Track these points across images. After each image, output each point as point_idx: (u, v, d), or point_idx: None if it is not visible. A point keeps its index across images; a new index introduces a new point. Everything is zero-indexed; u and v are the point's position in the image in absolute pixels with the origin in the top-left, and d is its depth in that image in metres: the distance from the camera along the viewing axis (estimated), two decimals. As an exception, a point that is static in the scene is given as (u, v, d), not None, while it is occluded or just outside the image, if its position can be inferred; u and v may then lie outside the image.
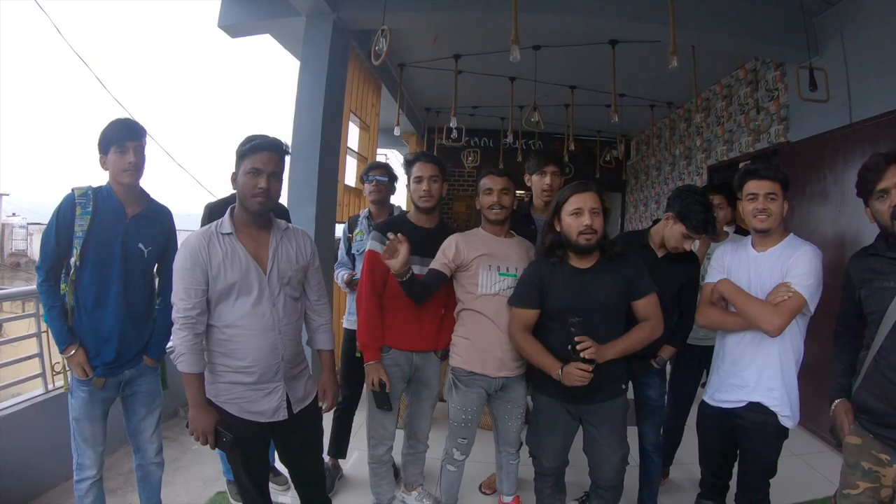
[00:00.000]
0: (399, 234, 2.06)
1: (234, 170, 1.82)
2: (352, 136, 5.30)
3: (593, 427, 2.12)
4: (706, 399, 2.18)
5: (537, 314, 2.10)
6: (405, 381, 2.43)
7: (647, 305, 2.06)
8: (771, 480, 2.09)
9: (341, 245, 3.06)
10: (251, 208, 1.81)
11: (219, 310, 1.80)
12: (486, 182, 2.29)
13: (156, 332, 2.15)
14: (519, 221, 2.61)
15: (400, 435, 2.59)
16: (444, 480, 2.43)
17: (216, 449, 1.85)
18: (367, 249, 2.38)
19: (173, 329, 1.78)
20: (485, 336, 2.22)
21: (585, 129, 7.94)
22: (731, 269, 2.11)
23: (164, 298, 2.15)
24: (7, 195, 22.18)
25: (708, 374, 2.32)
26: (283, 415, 1.89)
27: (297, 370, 1.95)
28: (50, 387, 2.79)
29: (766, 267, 2.00)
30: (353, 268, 2.95)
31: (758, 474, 2.06)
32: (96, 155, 2.04)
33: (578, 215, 2.01)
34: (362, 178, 3.01)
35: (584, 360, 1.89)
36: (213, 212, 2.38)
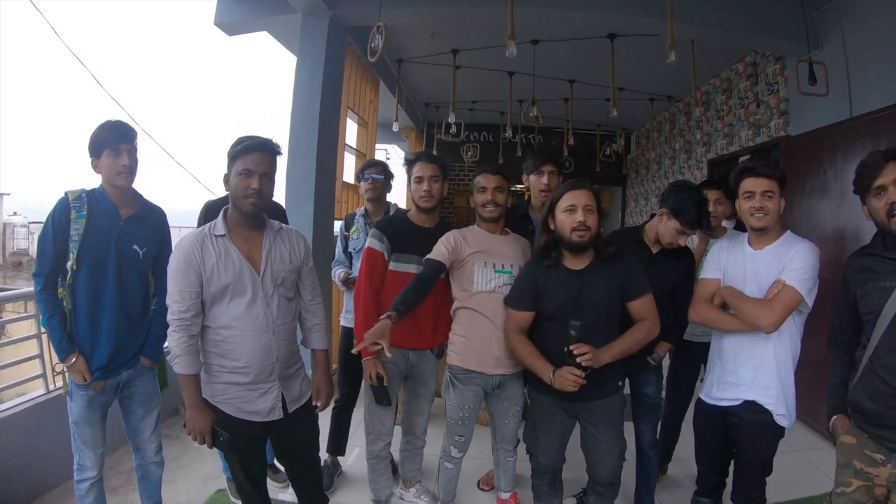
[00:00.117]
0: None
1: (225, 171, 1.82)
2: (350, 132, 5.29)
3: (590, 425, 2.13)
4: (702, 396, 2.18)
5: (532, 316, 2.10)
6: (401, 377, 2.44)
7: (642, 306, 2.06)
8: (769, 476, 2.09)
9: (338, 243, 3.06)
10: (244, 209, 1.80)
11: (213, 311, 1.81)
12: (479, 180, 2.30)
13: (152, 333, 2.16)
14: (517, 221, 2.60)
15: (398, 432, 2.60)
16: (442, 477, 2.44)
17: (213, 448, 1.87)
18: (365, 247, 2.38)
19: (169, 331, 1.78)
20: (481, 334, 2.22)
21: (585, 123, 7.92)
22: (727, 267, 2.11)
23: (159, 299, 2.15)
24: (8, 194, 22.22)
25: (706, 370, 2.32)
26: (278, 414, 1.90)
27: (291, 370, 1.96)
28: (51, 387, 2.80)
29: (763, 265, 1.99)
30: (350, 266, 2.95)
31: (754, 472, 2.06)
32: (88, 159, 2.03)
33: (572, 212, 2.01)
34: (358, 176, 3.01)
35: (579, 366, 1.90)
36: (210, 210, 2.38)
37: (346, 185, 4.92)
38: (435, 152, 7.94)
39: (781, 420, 1.98)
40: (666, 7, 3.15)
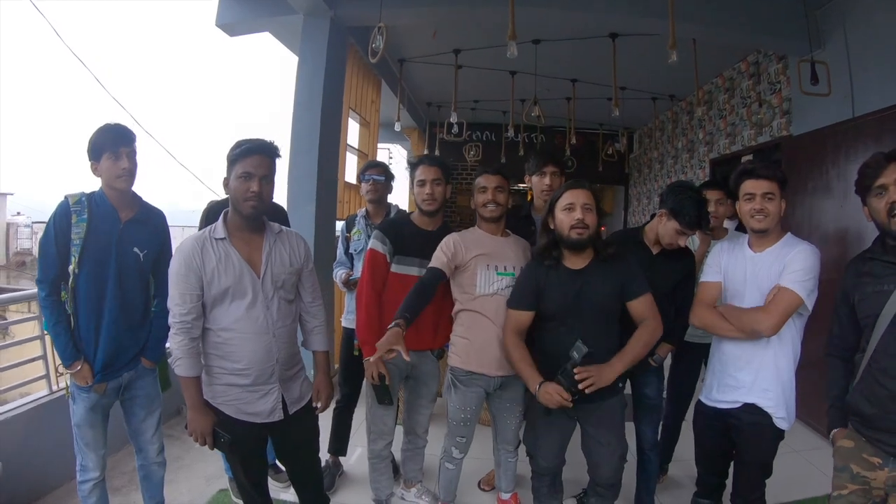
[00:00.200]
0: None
1: (225, 175, 1.83)
2: (352, 132, 5.30)
3: (590, 427, 2.13)
4: (702, 398, 2.18)
5: (532, 316, 2.10)
6: (402, 377, 2.45)
7: (641, 306, 2.05)
8: (770, 477, 2.09)
9: (339, 244, 3.07)
10: (244, 212, 1.81)
11: (214, 313, 1.82)
12: (480, 181, 2.30)
13: (152, 335, 2.18)
14: (519, 222, 2.61)
15: (399, 432, 2.61)
16: (443, 478, 2.45)
17: (214, 449, 1.88)
18: (368, 249, 2.39)
19: (170, 334, 1.80)
20: (483, 335, 2.23)
21: (588, 123, 7.91)
22: (727, 270, 2.10)
23: (159, 300, 2.16)
24: (11, 194, 22.29)
25: (706, 371, 2.32)
26: (278, 416, 1.91)
27: (291, 372, 1.97)
28: (54, 388, 2.82)
29: (763, 267, 1.98)
30: (352, 267, 2.96)
31: (753, 475, 2.06)
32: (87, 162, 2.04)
33: (570, 210, 2.02)
34: (359, 177, 3.01)
35: (569, 389, 1.91)
36: (211, 213, 2.39)
37: (348, 185, 4.93)
38: (437, 152, 7.96)
39: (781, 423, 1.97)
40: (666, 6, 3.15)
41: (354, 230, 2.96)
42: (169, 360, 1.82)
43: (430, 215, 2.40)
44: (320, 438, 2.16)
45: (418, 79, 6.57)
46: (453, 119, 5.59)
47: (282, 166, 1.91)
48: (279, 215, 2.60)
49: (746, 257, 2.05)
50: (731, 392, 2.05)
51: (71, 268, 1.98)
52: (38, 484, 2.61)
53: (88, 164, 2.04)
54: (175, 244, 1.95)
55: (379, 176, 2.91)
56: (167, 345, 1.91)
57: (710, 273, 2.15)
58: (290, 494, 2.70)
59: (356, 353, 2.72)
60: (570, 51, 5.12)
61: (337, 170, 4.44)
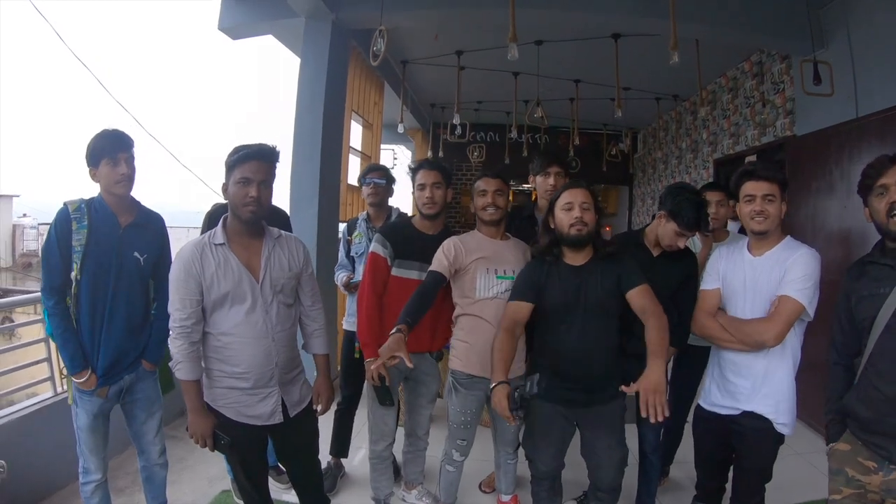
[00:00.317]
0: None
1: (224, 180, 1.84)
2: (354, 134, 5.31)
3: (589, 431, 2.14)
4: (701, 403, 2.17)
5: (530, 309, 2.09)
6: (401, 378, 2.47)
7: (639, 295, 2.03)
8: (773, 480, 2.08)
9: (341, 247, 3.08)
10: (243, 217, 1.83)
11: (214, 318, 1.84)
12: (479, 184, 2.31)
13: (153, 337, 2.19)
14: (523, 222, 2.61)
15: (401, 434, 2.62)
16: (443, 480, 2.46)
17: (215, 451, 1.90)
18: (369, 252, 2.40)
19: (170, 338, 1.82)
20: (484, 339, 2.22)
21: (591, 123, 7.89)
22: (725, 275, 2.09)
23: (159, 303, 2.18)
24: (17, 196, 22.46)
25: (706, 374, 2.31)
26: (278, 418, 1.93)
27: (291, 375, 1.98)
28: (59, 390, 2.84)
29: (763, 272, 1.97)
30: (353, 270, 2.97)
31: (753, 479, 2.05)
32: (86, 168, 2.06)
33: (569, 209, 2.05)
34: (360, 180, 3.02)
35: (514, 410, 1.87)
36: (213, 217, 2.40)
37: (351, 187, 4.95)
38: (441, 153, 7.96)
39: (782, 429, 1.97)
40: (668, 7, 3.14)
41: (356, 233, 2.97)
42: (170, 364, 1.84)
43: (430, 219, 2.42)
44: (322, 440, 2.18)
45: (421, 80, 6.59)
46: (456, 120, 5.60)
47: (284, 169, 1.92)
48: (280, 219, 2.61)
49: (745, 261, 2.04)
50: (730, 398, 2.04)
51: (73, 274, 2.00)
52: (42, 484, 2.64)
53: (87, 170, 2.06)
54: (181, 245, 1.95)
55: (380, 179, 2.91)
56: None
57: (709, 280, 2.15)
58: (292, 496, 2.70)
59: (357, 355, 2.74)
60: (573, 51, 5.12)
61: (339, 172, 4.46)
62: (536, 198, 2.76)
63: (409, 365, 1.87)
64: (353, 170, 5.18)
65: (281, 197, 3.94)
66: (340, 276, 2.98)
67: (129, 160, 2.07)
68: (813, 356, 2.06)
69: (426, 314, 2.23)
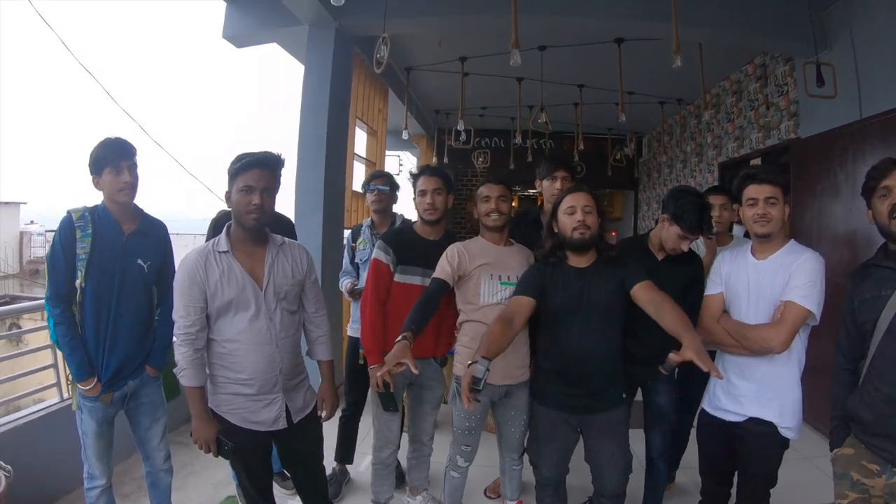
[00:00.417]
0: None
1: (227, 189, 1.86)
2: (359, 141, 5.34)
3: (592, 438, 2.13)
4: (705, 406, 2.16)
5: (531, 305, 2.06)
6: (405, 384, 2.47)
7: (645, 289, 2.01)
8: (780, 484, 2.06)
9: (345, 254, 3.09)
10: (247, 224, 1.84)
11: (218, 325, 1.85)
12: (483, 190, 2.32)
13: (156, 343, 2.21)
14: (528, 227, 2.62)
15: (405, 439, 2.62)
16: (448, 486, 2.45)
17: (219, 456, 1.91)
18: (372, 259, 2.41)
19: (175, 345, 1.83)
20: None
21: (596, 128, 7.89)
22: (729, 279, 2.09)
23: (163, 309, 2.20)
24: (24, 203, 22.63)
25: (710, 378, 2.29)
26: (282, 424, 1.93)
27: (295, 381, 1.99)
28: (65, 395, 2.86)
29: (767, 275, 1.96)
30: (357, 276, 2.98)
31: (757, 485, 2.03)
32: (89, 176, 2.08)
33: (572, 213, 2.06)
34: (364, 187, 3.03)
35: (475, 391, 1.78)
36: (217, 224, 2.41)
37: (356, 194, 4.96)
38: (446, 159, 7.97)
39: (786, 433, 1.95)
40: (671, 10, 3.15)
41: (360, 240, 2.98)
42: (174, 371, 1.85)
43: (432, 225, 2.42)
44: (327, 447, 2.18)
45: (426, 87, 6.61)
46: (460, 126, 5.63)
47: (289, 176, 1.93)
48: (284, 226, 2.63)
49: (749, 265, 2.04)
50: (734, 402, 2.02)
51: (78, 282, 2.02)
52: (48, 489, 2.65)
53: (90, 178, 2.08)
54: (187, 252, 1.96)
55: (384, 186, 2.93)
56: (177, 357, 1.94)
57: (713, 285, 2.14)
58: (297, 502, 2.70)
59: (361, 361, 2.74)
60: (577, 57, 5.13)
61: (344, 179, 4.48)
62: (542, 202, 2.76)
63: (415, 372, 1.86)
64: (358, 176, 5.20)
65: (286, 204, 3.96)
66: (345, 283, 2.99)
67: (132, 168, 2.09)
68: (820, 359, 2.05)
69: (433, 321, 2.24)
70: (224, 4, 4.26)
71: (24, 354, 3.15)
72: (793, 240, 2.01)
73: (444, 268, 2.22)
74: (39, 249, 20.84)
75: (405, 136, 5.93)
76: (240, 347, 1.85)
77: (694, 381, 2.80)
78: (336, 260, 3.77)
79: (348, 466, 3.01)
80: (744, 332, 1.97)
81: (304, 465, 2.11)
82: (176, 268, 1.96)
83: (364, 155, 5.67)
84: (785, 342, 1.87)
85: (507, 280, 2.23)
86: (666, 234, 2.26)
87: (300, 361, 2.03)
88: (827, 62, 3.51)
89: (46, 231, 20.86)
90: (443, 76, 5.79)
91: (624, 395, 2.16)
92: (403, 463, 2.73)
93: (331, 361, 2.15)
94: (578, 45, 4.81)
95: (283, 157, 2.09)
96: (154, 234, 2.22)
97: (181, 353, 1.81)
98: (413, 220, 2.65)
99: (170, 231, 2.34)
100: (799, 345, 1.96)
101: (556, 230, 2.12)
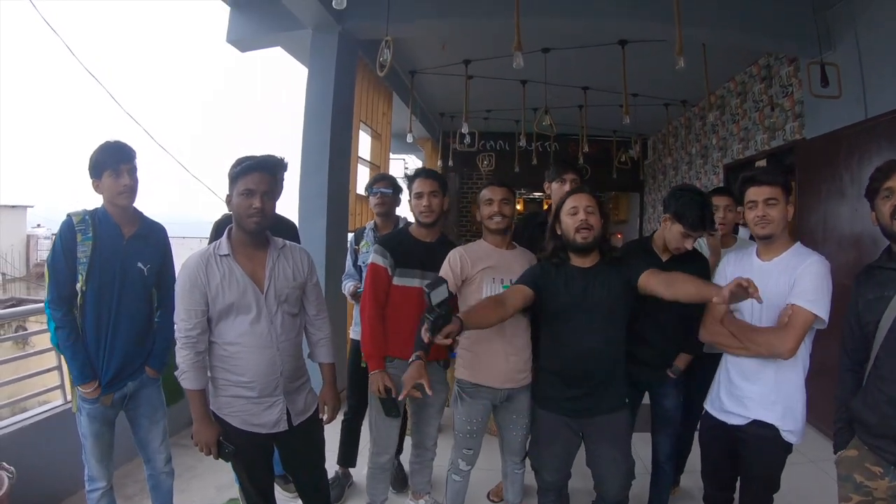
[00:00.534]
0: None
1: (227, 192, 1.87)
2: (363, 145, 5.34)
3: (593, 442, 2.12)
4: (708, 408, 2.14)
5: (526, 295, 2.05)
6: None
7: (650, 274, 2.00)
8: (785, 487, 2.04)
9: (348, 257, 3.09)
10: (248, 228, 1.85)
11: (219, 328, 1.86)
12: (486, 193, 2.31)
13: (156, 345, 2.22)
14: (535, 230, 2.61)
15: (408, 443, 2.60)
16: (450, 490, 2.44)
17: (219, 459, 1.91)
18: (369, 263, 2.41)
19: (176, 348, 1.84)
20: (489, 348, 2.23)
21: (601, 130, 7.87)
22: (732, 279, 2.07)
23: (163, 311, 2.22)
24: (31, 206, 22.74)
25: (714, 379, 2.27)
26: (283, 426, 1.94)
27: (296, 384, 1.99)
28: (69, 397, 2.87)
29: (772, 277, 1.94)
30: (360, 279, 2.98)
31: (759, 489, 2.01)
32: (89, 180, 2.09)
33: (574, 214, 2.06)
34: (367, 190, 3.04)
35: (433, 331, 1.68)
36: (220, 228, 2.42)
37: (360, 197, 4.97)
38: (451, 162, 7.98)
39: (788, 436, 1.93)
40: (675, 11, 3.14)
41: (363, 242, 2.99)
42: (175, 373, 1.85)
43: (427, 227, 2.43)
44: (330, 450, 2.18)
45: (430, 90, 6.62)
46: (465, 130, 5.64)
47: (292, 180, 1.94)
48: (287, 229, 2.63)
49: (754, 266, 2.02)
50: (738, 404, 2.00)
51: (78, 286, 2.03)
52: (51, 491, 2.66)
53: (91, 182, 2.10)
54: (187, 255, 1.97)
55: (387, 189, 2.93)
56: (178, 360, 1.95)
57: None
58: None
59: (364, 365, 2.74)
60: (580, 59, 5.12)
61: (348, 182, 4.49)
62: (550, 205, 2.76)
63: (430, 392, 1.90)
64: (362, 180, 5.21)
65: (290, 207, 3.96)
66: (348, 286, 3.00)
67: (132, 171, 2.10)
68: (826, 361, 2.03)
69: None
70: (228, 9, 4.29)
71: (30, 356, 3.17)
72: (798, 242, 2.00)
73: (446, 274, 2.21)
74: (46, 253, 20.89)
75: (410, 139, 5.94)
76: (241, 350, 1.85)
77: (700, 384, 2.78)
78: (340, 263, 3.76)
79: (351, 470, 3.00)
80: (750, 336, 1.95)
81: (306, 467, 2.11)
82: (176, 270, 1.97)
83: (368, 158, 5.67)
84: (792, 349, 1.84)
85: (510, 283, 2.22)
86: (669, 234, 2.25)
87: (301, 364, 2.03)
88: (831, 62, 3.49)
89: (53, 234, 20.94)
90: (447, 79, 5.80)
91: (627, 400, 2.14)
92: (406, 466, 2.71)
93: (332, 364, 2.15)
94: (582, 47, 4.81)
95: (285, 160, 2.11)
96: (154, 237, 2.23)
97: (182, 357, 1.81)
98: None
99: (176, 234, 2.36)
100: (803, 348, 1.93)
101: (558, 232, 2.11)
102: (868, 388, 1.66)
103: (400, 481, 2.96)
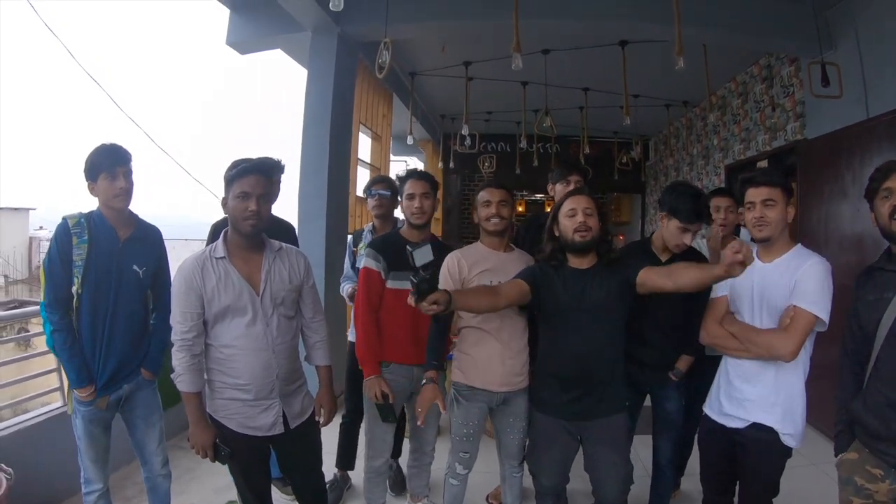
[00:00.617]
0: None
1: (223, 195, 1.87)
2: (363, 147, 5.34)
3: (591, 446, 2.10)
4: (707, 411, 2.12)
5: (524, 288, 2.03)
6: (407, 396, 2.44)
7: (649, 270, 1.99)
8: (785, 491, 2.02)
9: (346, 258, 3.09)
10: (243, 231, 1.85)
11: (216, 330, 1.86)
12: (483, 195, 2.30)
13: (152, 347, 2.21)
14: (537, 232, 2.60)
15: (406, 446, 2.59)
16: (448, 494, 2.42)
17: (216, 462, 1.91)
18: (362, 267, 2.40)
19: (172, 350, 1.84)
20: (486, 351, 2.21)
21: (602, 131, 7.86)
22: (734, 281, 2.04)
23: (158, 313, 2.21)
24: (34, 209, 22.77)
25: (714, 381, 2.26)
26: (279, 429, 1.93)
27: (292, 387, 1.99)
28: (67, 400, 2.87)
29: (773, 279, 1.93)
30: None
31: (758, 493, 1.99)
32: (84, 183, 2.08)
33: (573, 215, 2.04)
34: (366, 192, 3.03)
35: (419, 293, 1.63)
36: (217, 230, 2.42)
37: (360, 199, 4.97)
38: (452, 164, 7.97)
39: (788, 440, 1.90)
40: (674, 12, 3.13)
41: (361, 244, 2.97)
42: (171, 376, 1.85)
43: (419, 228, 2.42)
44: (329, 453, 2.17)
45: (430, 91, 6.63)
46: (465, 131, 5.64)
47: (292, 182, 1.93)
48: (285, 231, 2.63)
49: (755, 267, 1.99)
50: (737, 406, 1.98)
51: (74, 289, 2.02)
52: (49, 493, 2.66)
53: (86, 184, 2.09)
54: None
55: (385, 191, 2.92)
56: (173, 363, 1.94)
57: (718, 288, 2.10)
58: (299, 506, 2.71)
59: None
60: (581, 60, 5.12)
61: (348, 184, 4.49)
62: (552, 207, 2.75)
63: (443, 412, 1.96)
64: (362, 182, 5.21)
65: (289, 208, 3.96)
66: (346, 288, 2.99)
67: (127, 174, 2.10)
68: (827, 364, 2.01)
69: (427, 326, 2.22)
70: (227, 11, 4.30)
71: (31, 357, 3.17)
72: (799, 244, 1.98)
73: (445, 280, 2.19)
74: (48, 255, 20.99)
75: (410, 141, 5.94)
76: (237, 353, 1.85)
77: (701, 386, 2.76)
78: (339, 265, 3.76)
79: (349, 473, 2.99)
80: (751, 338, 1.94)
81: (302, 470, 2.11)
82: (171, 272, 1.97)
83: (368, 160, 5.67)
84: (794, 352, 1.83)
85: None
86: (667, 232, 2.25)
87: (298, 367, 2.03)
88: (832, 62, 3.47)
89: (54, 237, 21.01)
90: (447, 81, 5.80)
91: (626, 403, 2.13)
92: (405, 470, 2.70)
93: (329, 367, 2.15)
94: (582, 48, 4.80)
95: (282, 162, 2.10)
96: (149, 240, 2.23)
97: (178, 359, 1.81)
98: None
99: (176, 236, 2.36)
100: (804, 351, 1.91)
101: (556, 234, 2.10)
102: (868, 389, 1.65)
103: (398, 485, 2.95)
